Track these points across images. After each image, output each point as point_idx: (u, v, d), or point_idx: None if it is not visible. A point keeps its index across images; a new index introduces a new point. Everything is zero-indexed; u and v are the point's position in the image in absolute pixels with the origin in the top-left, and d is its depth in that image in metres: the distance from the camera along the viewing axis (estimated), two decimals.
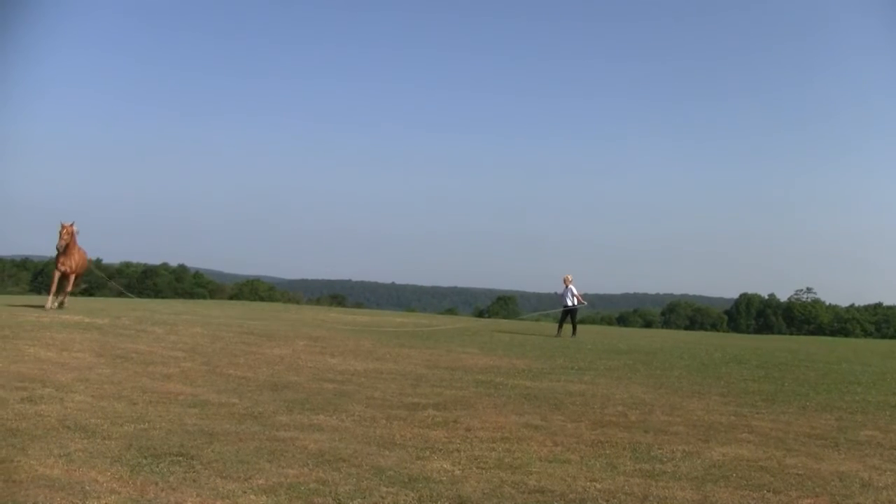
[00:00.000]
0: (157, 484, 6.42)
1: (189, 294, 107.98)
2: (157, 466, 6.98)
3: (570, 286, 29.10)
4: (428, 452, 8.06)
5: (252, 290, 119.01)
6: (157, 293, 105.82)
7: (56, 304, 23.52)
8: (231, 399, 10.73)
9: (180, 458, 7.28)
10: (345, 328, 25.80)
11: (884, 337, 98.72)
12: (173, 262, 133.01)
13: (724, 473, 7.70)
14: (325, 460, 7.47)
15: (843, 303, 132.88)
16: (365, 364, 15.58)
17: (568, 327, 28.99)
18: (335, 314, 37.18)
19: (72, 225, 23.04)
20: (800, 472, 7.86)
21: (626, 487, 6.98)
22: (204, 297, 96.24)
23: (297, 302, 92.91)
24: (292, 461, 7.40)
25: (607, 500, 6.54)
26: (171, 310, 28.03)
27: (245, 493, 6.31)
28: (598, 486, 6.99)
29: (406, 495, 6.43)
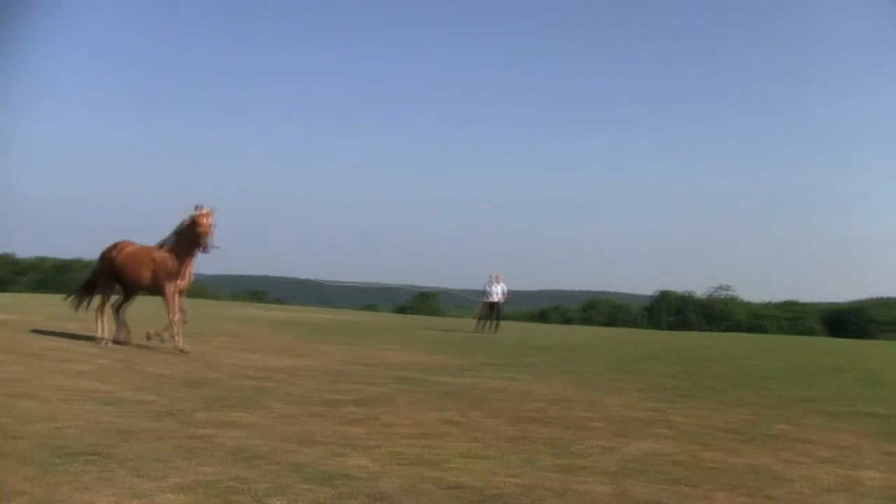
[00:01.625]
0: (69, 484, 6.29)
1: None
2: (71, 466, 6.82)
3: (501, 284, 29.28)
4: (347, 449, 8.03)
5: None
6: (69, 289, 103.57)
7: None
8: (148, 396, 10.57)
9: (95, 457, 7.14)
10: (265, 324, 25.62)
11: (798, 333, 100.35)
12: (88, 258, 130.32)
13: (641, 468, 7.80)
14: (244, 458, 7.40)
15: (759, 300, 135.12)
16: (284, 360, 15.48)
17: (490, 323, 29.12)
18: (255, 310, 36.92)
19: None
20: (715, 466, 8.00)
21: (545, 482, 7.02)
22: (118, 293, 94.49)
23: (216, 298, 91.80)
24: (210, 459, 7.31)
25: (526, 496, 6.57)
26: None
27: (161, 491, 6.22)
28: (517, 481, 7.02)
29: (324, 492, 6.40)
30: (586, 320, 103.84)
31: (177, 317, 16.15)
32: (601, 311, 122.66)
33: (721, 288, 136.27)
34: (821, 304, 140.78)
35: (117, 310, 17.15)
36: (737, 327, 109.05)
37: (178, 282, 16.31)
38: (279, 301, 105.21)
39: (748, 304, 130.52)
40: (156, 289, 16.50)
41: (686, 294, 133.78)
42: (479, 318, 29.92)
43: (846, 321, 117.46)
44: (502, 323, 30.52)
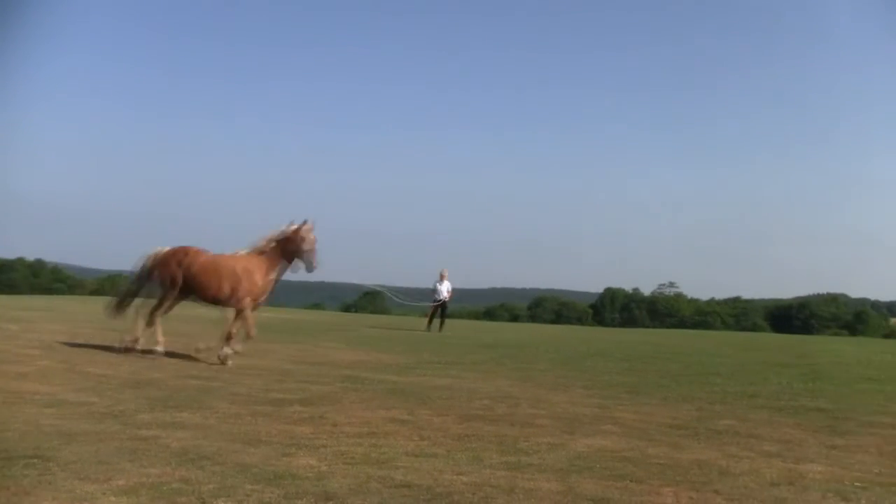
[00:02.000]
0: (9, 489, 6.17)
1: (47, 289, 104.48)
2: (10, 470, 6.69)
3: (446, 281, 29.31)
4: (293, 449, 7.97)
5: (114, 285, 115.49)
6: (11, 289, 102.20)
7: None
8: (90, 398, 10.42)
9: (35, 461, 7.01)
10: (209, 323, 25.39)
11: (742, 329, 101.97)
12: (30, 257, 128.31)
13: (588, 464, 7.82)
14: (189, 458, 7.31)
15: (704, 296, 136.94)
16: (230, 360, 15.34)
17: (436, 321, 29.16)
18: (201, 310, 36.52)
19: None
20: (661, 462, 8.05)
21: (493, 480, 7.02)
22: (63, 293, 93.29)
23: None
24: (154, 460, 7.22)
25: (473, 494, 6.56)
26: (27, 306, 27.18)
27: (104, 494, 6.12)
28: (465, 479, 7.01)
29: (271, 492, 6.34)
30: (533, 318, 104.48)
31: (253, 332, 15.66)
32: (548, 308, 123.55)
33: (667, 285, 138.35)
34: (765, 300, 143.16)
35: (147, 317, 15.88)
36: (682, 323, 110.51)
37: (261, 297, 15.73)
38: None
39: (694, 300, 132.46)
40: (233, 302, 15.52)
41: (632, 291, 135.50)
42: (430, 317, 29.94)
43: (790, 317, 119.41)
44: (447, 321, 30.50)
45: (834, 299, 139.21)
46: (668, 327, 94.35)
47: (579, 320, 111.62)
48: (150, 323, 15.59)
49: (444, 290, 29.24)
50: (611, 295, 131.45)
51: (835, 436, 9.98)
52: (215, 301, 15.70)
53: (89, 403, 10.01)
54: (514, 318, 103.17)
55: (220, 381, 12.43)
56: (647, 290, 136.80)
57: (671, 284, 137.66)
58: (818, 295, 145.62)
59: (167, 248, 15.69)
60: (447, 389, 12.75)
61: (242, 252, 15.86)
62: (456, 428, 9.48)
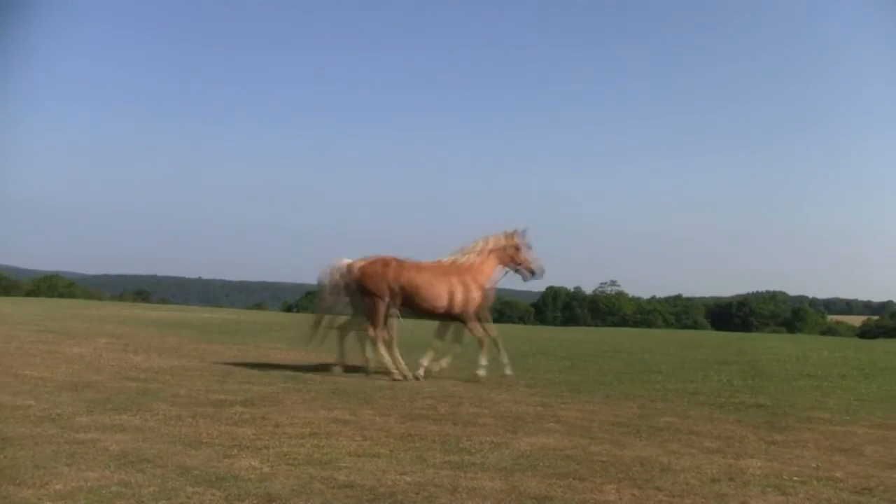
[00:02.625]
0: None
1: None
2: None
3: None
4: (235, 450, 7.90)
5: (50, 286, 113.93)
6: None
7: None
8: (26, 401, 10.23)
9: None
10: (149, 325, 25.14)
11: (683, 327, 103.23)
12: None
13: (531, 463, 7.84)
14: (128, 461, 7.22)
15: (646, 295, 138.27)
16: (170, 361, 15.20)
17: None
18: (139, 311, 36.21)
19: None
20: (604, 459, 8.09)
21: (436, 480, 7.01)
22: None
23: (99, 298, 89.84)
24: (93, 464, 7.11)
25: (417, 493, 6.55)
26: None
27: (41, 499, 6.01)
28: (408, 479, 7.00)
29: (213, 494, 6.28)
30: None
31: (495, 333, 15.41)
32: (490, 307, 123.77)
33: (608, 284, 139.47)
34: (705, 298, 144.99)
35: (343, 334, 15.51)
36: (624, 322, 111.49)
37: (482, 307, 15.27)
38: (164, 301, 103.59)
39: (635, 299, 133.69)
40: (458, 314, 15.01)
41: (574, 290, 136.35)
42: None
43: (730, 315, 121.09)
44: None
45: (773, 297, 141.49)
46: (609, 326, 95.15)
47: (521, 319, 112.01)
48: (343, 337, 15.18)
49: None
50: (553, 294, 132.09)
51: (774, 432, 10.12)
52: (432, 313, 15.10)
53: (25, 407, 9.82)
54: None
55: (160, 383, 12.29)
56: (588, 289, 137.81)
57: (613, 283, 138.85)
58: (757, 293, 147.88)
59: (361, 261, 14.86)
60: (390, 389, 12.75)
61: (451, 259, 15.36)
62: (399, 427, 9.46)
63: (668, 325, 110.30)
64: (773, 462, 8.26)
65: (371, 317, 14.42)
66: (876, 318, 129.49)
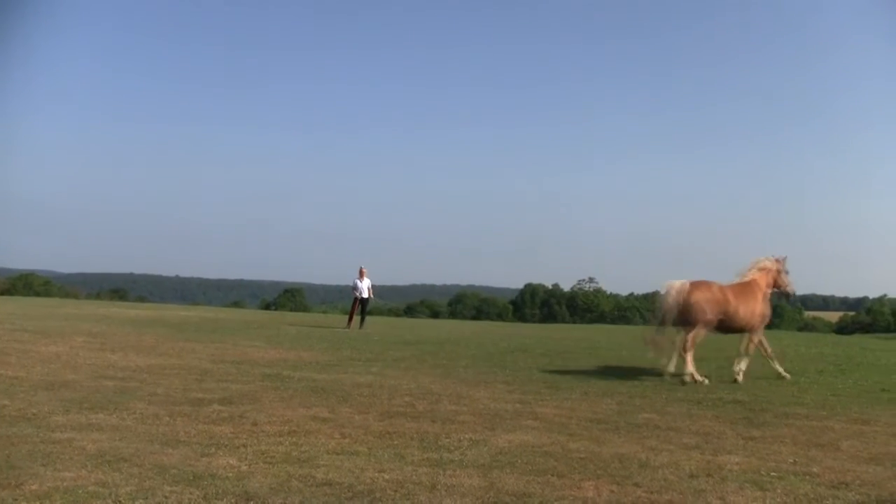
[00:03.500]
0: None
1: None
2: None
3: (366, 278, 29.23)
4: (213, 449, 7.87)
5: (26, 284, 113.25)
6: None
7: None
8: (1, 400, 10.14)
9: None
10: (126, 323, 25.01)
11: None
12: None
13: (510, 460, 7.85)
14: (105, 461, 7.17)
15: (623, 291, 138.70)
16: (147, 360, 15.12)
17: (357, 319, 29.07)
18: (116, 309, 35.99)
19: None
20: (582, 456, 8.11)
21: (415, 477, 7.01)
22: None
23: (76, 297, 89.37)
24: (69, 463, 7.06)
25: (395, 491, 6.54)
26: None
27: (16, 500, 5.96)
28: (387, 476, 6.99)
29: (191, 493, 6.25)
30: (453, 314, 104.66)
31: (770, 350, 16.47)
32: (468, 304, 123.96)
33: (587, 281, 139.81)
34: None
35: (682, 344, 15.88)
36: (602, 318, 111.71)
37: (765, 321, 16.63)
38: (141, 299, 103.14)
39: (613, 295, 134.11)
40: (754, 327, 16.26)
41: (552, 287, 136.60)
42: (350, 314, 29.84)
43: None
44: (368, 318, 30.38)
45: None
46: (587, 323, 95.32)
47: (500, 316, 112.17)
48: (684, 351, 15.54)
49: (365, 287, 29.18)
50: (531, 291, 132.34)
51: (752, 427, 10.17)
52: (741, 329, 16.27)
53: (0, 406, 9.76)
54: (435, 315, 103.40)
55: (138, 382, 12.23)
56: (566, 286, 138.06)
57: (591, 280, 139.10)
58: None
59: (690, 283, 15.84)
60: (368, 387, 12.71)
61: (742, 280, 16.71)
62: (377, 425, 9.45)
63: (646, 321, 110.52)
64: (751, 458, 8.30)
65: (696, 334, 15.54)
66: (852, 313, 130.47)
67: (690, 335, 15.41)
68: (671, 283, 15.88)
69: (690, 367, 15.12)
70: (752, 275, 16.69)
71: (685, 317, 15.55)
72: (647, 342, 16.17)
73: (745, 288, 16.34)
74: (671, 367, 15.48)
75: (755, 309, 16.13)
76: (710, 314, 15.55)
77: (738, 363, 15.75)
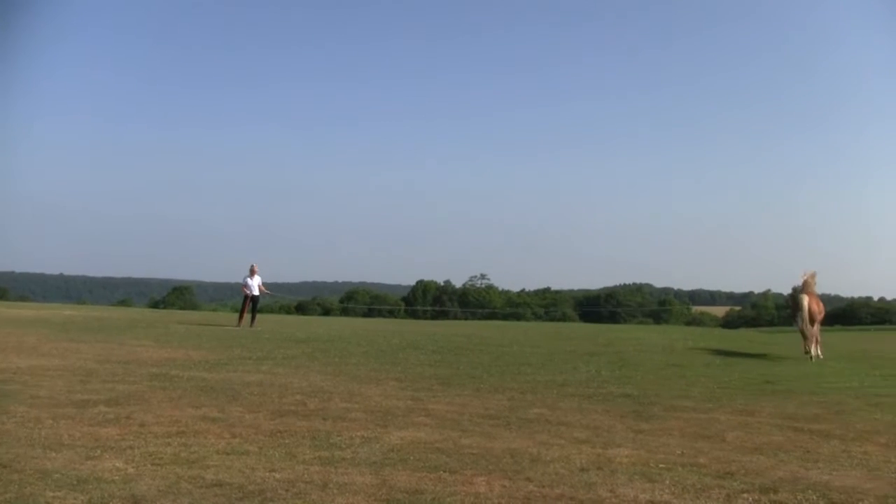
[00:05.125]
0: None
1: None
2: None
3: (257, 275, 28.98)
4: (99, 451, 7.68)
5: None
6: None
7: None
8: None
9: None
10: (7, 323, 24.33)
11: (552, 320, 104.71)
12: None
13: (402, 457, 7.83)
14: None
15: (515, 288, 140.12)
16: (29, 361, 14.71)
17: (247, 317, 28.79)
18: None
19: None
20: (474, 452, 8.14)
21: (306, 476, 6.95)
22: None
23: None
24: None
25: (287, 490, 6.47)
26: None
27: None
28: (278, 476, 6.91)
29: (75, 498, 6.07)
30: (345, 311, 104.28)
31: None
32: (360, 301, 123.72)
33: (478, 277, 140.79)
34: (574, 291, 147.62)
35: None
36: (494, 315, 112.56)
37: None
38: (23, 298, 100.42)
39: (505, 291, 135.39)
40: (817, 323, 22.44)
41: (444, 283, 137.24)
42: (241, 312, 29.55)
43: (598, 307, 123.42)
44: (258, 316, 30.10)
45: (639, 289, 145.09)
46: (479, 319, 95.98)
47: (391, 313, 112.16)
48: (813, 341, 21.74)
49: (255, 284, 28.93)
50: (422, 287, 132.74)
51: (641, 420, 10.36)
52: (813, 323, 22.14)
53: None
54: (327, 312, 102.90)
55: (18, 384, 11.87)
56: (458, 283, 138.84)
57: (482, 276, 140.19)
58: (624, 285, 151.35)
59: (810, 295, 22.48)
60: (259, 385, 12.58)
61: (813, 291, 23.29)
62: (268, 424, 9.35)
63: (537, 317, 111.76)
64: (640, 450, 8.45)
65: (815, 328, 22.24)
66: (738, 308, 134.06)
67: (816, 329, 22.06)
68: (803, 297, 22.13)
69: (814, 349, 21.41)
70: (813, 284, 22.98)
71: (813, 318, 21.84)
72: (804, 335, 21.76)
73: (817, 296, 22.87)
74: (814, 351, 21.23)
75: (822, 309, 23.06)
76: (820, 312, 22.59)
77: (818, 349, 21.55)
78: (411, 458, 7.81)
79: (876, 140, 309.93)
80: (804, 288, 22.98)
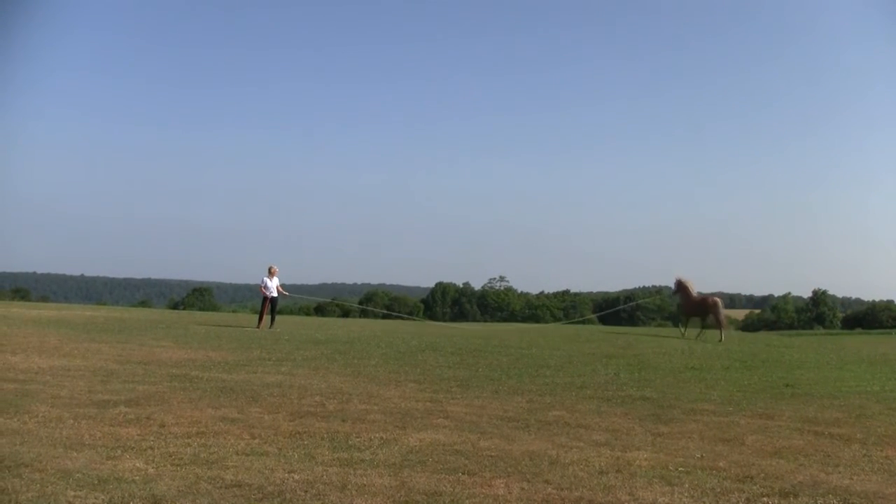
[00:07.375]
0: None
1: None
2: None
3: (276, 277, 29.02)
4: (119, 451, 7.72)
5: None
6: None
7: None
8: None
9: None
10: (28, 324, 24.44)
11: (571, 322, 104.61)
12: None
13: (420, 458, 7.84)
14: (5, 466, 6.97)
15: (534, 290, 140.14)
16: (50, 361, 14.77)
17: (267, 318, 28.83)
18: (17, 309, 35.14)
19: None
20: (493, 454, 8.14)
21: (325, 477, 6.96)
22: None
23: None
24: None
25: (305, 491, 6.49)
26: None
27: None
28: (297, 477, 6.93)
29: (96, 498, 6.11)
30: (364, 313, 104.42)
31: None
32: (378, 303, 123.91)
33: (497, 279, 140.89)
34: (593, 293, 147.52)
35: None
36: (512, 317, 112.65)
37: None
38: (44, 299, 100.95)
39: (524, 294, 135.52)
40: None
41: (463, 286, 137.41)
42: (260, 314, 29.60)
43: (617, 309, 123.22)
44: (278, 318, 30.14)
45: (658, 292, 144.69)
46: (498, 321, 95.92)
47: (411, 315, 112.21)
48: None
49: (273, 286, 28.97)
50: (442, 289, 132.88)
51: (660, 423, 10.33)
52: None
53: None
54: (346, 314, 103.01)
55: (40, 384, 11.93)
56: (477, 285, 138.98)
57: (502, 279, 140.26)
58: (643, 288, 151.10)
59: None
60: (278, 387, 12.59)
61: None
62: (287, 425, 9.36)
63: (556, 319, 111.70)
64: (659, 453, 8.43)
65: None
66: (758, 311, 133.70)
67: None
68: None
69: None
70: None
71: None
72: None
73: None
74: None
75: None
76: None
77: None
78: (430, 459, 7.81)
79: None
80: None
